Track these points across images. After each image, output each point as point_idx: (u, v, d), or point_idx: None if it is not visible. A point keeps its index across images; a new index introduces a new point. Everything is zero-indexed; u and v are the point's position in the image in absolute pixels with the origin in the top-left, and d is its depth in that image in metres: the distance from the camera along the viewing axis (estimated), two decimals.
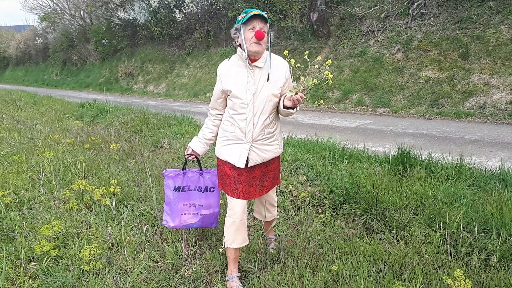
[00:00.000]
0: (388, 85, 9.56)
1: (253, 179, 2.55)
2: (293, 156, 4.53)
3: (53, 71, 33.29)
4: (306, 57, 2.34)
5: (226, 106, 2.59)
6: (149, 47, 21.34)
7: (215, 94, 2.58)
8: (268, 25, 2.35)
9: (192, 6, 17.09)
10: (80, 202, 3.99)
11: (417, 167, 4.09)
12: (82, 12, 27.66)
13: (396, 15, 10.97)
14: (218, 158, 2.64)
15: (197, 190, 2.85)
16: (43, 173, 4.83)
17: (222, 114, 2.63)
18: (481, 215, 2.92)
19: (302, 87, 2.26)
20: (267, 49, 2.46)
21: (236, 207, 2.49)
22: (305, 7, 13.23)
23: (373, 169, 4.05)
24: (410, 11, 10.56)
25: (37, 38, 35.45)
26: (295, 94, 2.24)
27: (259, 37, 2.27)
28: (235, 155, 2.49)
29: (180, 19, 17.72)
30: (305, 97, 2.28)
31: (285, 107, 2.38)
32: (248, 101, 2.40)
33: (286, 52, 2.37)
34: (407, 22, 10.55)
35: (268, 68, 2.40)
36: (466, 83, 8.26)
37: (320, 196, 3.56)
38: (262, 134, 2.47)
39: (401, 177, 3.93)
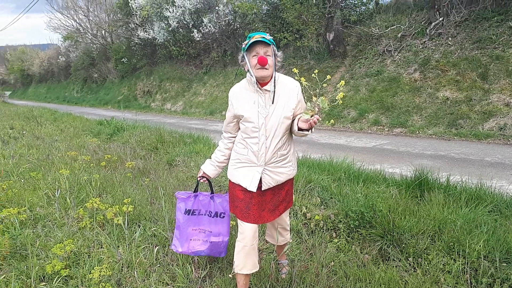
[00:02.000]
0: (405, 105, 9.45)
1: (265, 203, 2.52)
2: (307, 177, 4.47)
3: (74, 88, 34.13)
4: (314, 75, 2.31)
5: (239, 129, 2.58)
6: (167, 65, 21.71)
7: (227, 119, 2.58)
8: (272, 46, 2.35)
9: (210, 26, 17.38)
10: (94, 220, 4.00)
11: (435, 190, 3.99)
12: (103, 32, 28.43)
13: (413, 34, 10.92)
14: (230, 181, 2.61)
15: (207, 215, 2.83)
16: (59, 191, 4.88)
17: (235, 137, 2.62)
18: (503, 244, 2.80)
19: (317, 109, 2.23)
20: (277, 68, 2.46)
21: (247, 232, 2.44)
22: (321, 27, 13.31)
23: (389, 192, 3.96)
24: (428, 31, 10.50)
25: (59, 57, 36.50)
26: (311, 117, 2.21)
27: (262, 63, 2.28)
28: (248, 178, 2.46)
29: (198, 39, 18.02)
30: (320, 118, 2.25)
31: (299, 129, 2.36)
32: (260, 125, 2.38)
33: (295, 70, 2.35)
34: (424, 42, 10.48)
35: (274, 90, 2.38)
36: (485, 103, 8.11)
37: (334, 220, 3.48)
38: (275, 157, 2.45)
39: (418, 201, 3.82)
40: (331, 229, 3.44)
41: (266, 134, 2.39)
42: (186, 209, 2.85)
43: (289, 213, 3.65)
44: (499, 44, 8.69)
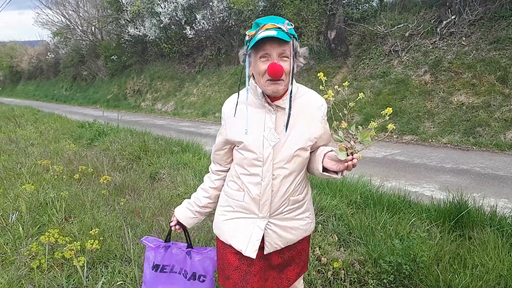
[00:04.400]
0: (415, 109, 8.65)
1: (269, 269, 1.71)
2: (318, 202, 3.64)
3: (63, 86, 33.05)
4: (322, 77, 1.49)
5: (231, 160, 1.75)
6: (158, 64, 20.77)
7: (217, 144, 1.74)
8: (292, 42, 1.49)
9: (203, 23, 16.48)
10: (51, 257, 3.16)
11: (478, 223, 3.18)
12: (93, 28, 27.41)
13: (422, 34, 10.13)
14: (217, 238, 1.78)
15: (182, 274, 1.97)
16: (16, 214, 4.03)
17: (226, 171, 1.78)
18: None
19: (352, 142, 1.43)
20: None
21: None
22: (322, 25, 12.49)
23: (424, 227, 3.13)
24: (438, 30, 9.71)
25: (48, 53, 35.41)
26: (349, 154, 1.41)
27: (274, 74, 1.44)
28: (244, 237, 1.64)
29: (191, 36, 17.12)
30: (359, 158, 1.46)
31: (324, 169, 1.54)
32: (266, 157, 1.55)
33: (321, 75, 1.53)
34: (434, 42, 9.69)
35: (289, 112, 1.52)
36: (506, 110, 7.33)
37: (360, 270, 2.65)
38: (285, 205, 1.63)
39: (459, 237, 3.01)
40: (356, 282, 2.60)
41: (273, 171, 1.57)
42: (154, 263, 2.00)
43: None
44: None
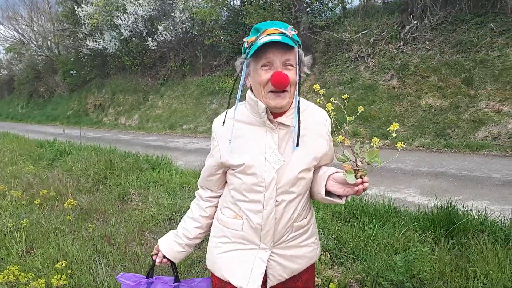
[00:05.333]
0: (384, 114, 8.70)
1: None
2: None
3: (18, 103, 31.50)
4: (319, 90, 1.33)
5: (224, 184, 1.52)
6: (120, 77, 20.13)
7: (208, 168, 1.49)
8: (296, 50, 1.30)
9: (166, 34, 16.11)
10: None
11: (470, 229, 3.08)
12: (49, 43, 26.34)
13: (386, 39, 10.28)
14: (212, 274, 1.54)
15: None
16: None
17: (218, 197, 1.55)
18: None
19: (359, 163, 1.27)
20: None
21: None
22: None
23: (418, 236, 3.00)
24: (402, 35, 9.88)
25: (1, 70, 33.73)
26: (358, 177, 1.26)
27: (278, 85, 1.25)
28: (244, 271, 1.42)
29: (153, 48, 16.68)
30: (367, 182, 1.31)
31: (327, 192, 1.35)
32: (269, 182, 1.34)
33: (317, 87, 1.38)
34: (399, 47, 9.84)
35: (298, 126, 1.33)
36: (473, 111, 7.47)
37: None
38: (289, 232, 1.43)
39: (456, 248, 2.89)
40: None
41: (276, 198, 1.36)
42: None
43: None
44: (482, 47, 8.14)
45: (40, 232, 4.02)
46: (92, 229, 3.88)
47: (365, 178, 1.25)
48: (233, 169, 1.40)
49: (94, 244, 3.66)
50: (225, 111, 1.45)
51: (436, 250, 2.75)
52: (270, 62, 1.28)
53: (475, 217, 3.29)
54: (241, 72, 1.36)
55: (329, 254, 2.91)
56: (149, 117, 16.35)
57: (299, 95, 1.31)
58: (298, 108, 1.30)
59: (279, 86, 1.24)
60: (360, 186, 1.25)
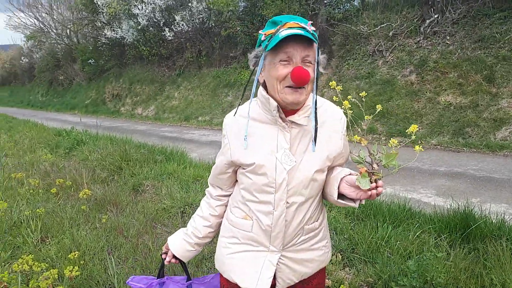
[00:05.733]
0: (402, 111, 8.55)
1: None
2: None
3: (38, 91, 32.04)
4: (336, 87, 1.34)
5: (235, 183, 1.50)
6: (137, 67, 20.27)
7: (218, 166, 1.47)
8: (315, 46, 1.26)
9: (183, 25, 16.10)
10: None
11: (487, 233, 3.01)
12: (68, 31, 26.62)
13: (406, 33, 10.06)
14: (220, 275, 1.53)
15: None
16: None
17: (228, 195, 1.53)
18: None
19: (375, 165, 1.22)
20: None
21: None
22: None
23: (433, 240, 2.94)
24: (422, 29, 9.65)
25: (22, 58, 34.26)
26: (373, 181, 1.20)
27: (299, 80, 1.20)
28: (252, 274, 1.40)
29: (170, 38, 16.71)
30: (383, 187, 1.27)
31: (340, 195, 1.31)
32: (279, 183, 1.31)
33: (333, 84, 1.36)
34: (418, 41, 9.63)
35: (316, 126, 1.28)
36: (494, 109, 7.27)
37: None
38: (300, 235, 1.40)
39: (472, 254, 2.82)
40: None
41: (287, 200, 1.33)
42: None
43: None
44: (505, 43, 7.89)
45: (55, 221, 4.08)
46: (105, 220, 3.93)
47: (380, 183, 1.20)
48: (244, 168, 1.38)
49: (107, 236, 3.70)
50: (236, 107, 1.43)
51: (452, 255, 2.69)
52: (290, 57, 1.23)
53: (493, 221, 3.21)
54: (256, 65, 1.32)
55: (341, 255, 2.88)
56: (165, 108, 16.45)
57: (316, 94, 1.28)
58: (315, 108, 1.27)
59: (300, 81, 1.21)
60: (374, 191, 1.20)
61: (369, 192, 1.21)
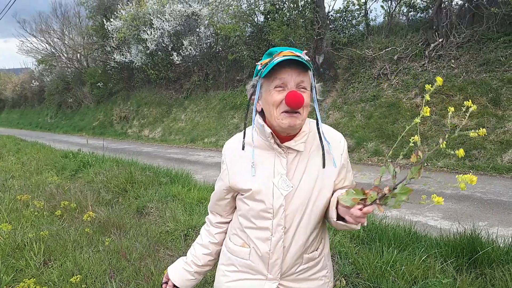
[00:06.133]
0: (408, 133, 8.46)
1: None
2: None
3: (47, 113, 32.51)
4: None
5: (234, 210, 1.49)
6: (145, 90, 20.56)
7: (217, 192, 1.47)
8: (310, 73, 1.29)
9: (190, 49, 16.40)
10: None
11: (495, 259, 2.95)
12: (78, 55, 27.20)
13: (410, 57, 10.14)
14: None
15: None
16: None
17: (227, 223, 1.53)
18: None
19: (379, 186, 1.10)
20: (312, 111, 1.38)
21: None
22: (310, 50, 12.48)
23: (439, 265, 2.88)
24: (426, 52, 9.73)
25: (33, 81, 34.91)
26: (360, 202, 1.10)
27: (294, 104, 1.21)
28: None
29: (178, 62, 16.99)
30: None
31: (339, 217, 1.27)
32: (277, 208, 1.31)
33: None
34: (423, 65, 9.69)
35: (323, 150, 1.32)
36: (501, 132, 7.24)
37: None
38: (299, 264, 1.37)
39: (479, 279, 2.76)
40: None
41: (285, 225, 1.32)
42: None
43: None
44: (510, 66, 7.92)
45: (58, 244, 4.07)
46: (108, 243, 3.91)
47: (366, 209, 1.08)
48: (242, 194, 1.38)
49: (110, 259, 3.67)
50: (236, 134, 1.45)
51: (458, 280, 2.63)
52: (284, 83, 1.26)
53: (501, 245, 3.15)
54: (254, 94, 1.34)
55: (345, 280, 2.83)
56: (172, 130, 16.58)
57: (318, 118, 1.31)
58: (319, 129, 1.31)
59: (294, 105, 1.21)
60: (354, 210, 1.08)
61: (352, 213, 1.10)
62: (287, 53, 1.24)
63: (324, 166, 1.29)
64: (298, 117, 1.26)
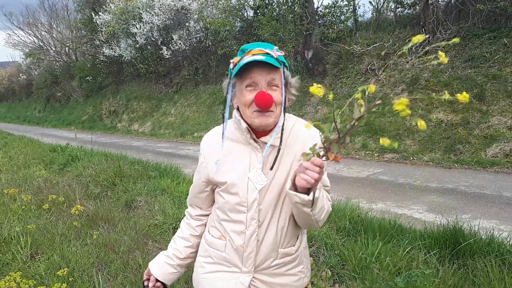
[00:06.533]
0: (394, 128, 8.64)
1: None
2: (308, 231, 3.42)
3: (36, 107, 32.12)
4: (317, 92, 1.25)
5: (213, 202, 1.52)
6: (134, 84, 20.43)
7: (196, 185, 1.51)
8: (281, 70, 1.29)
9: (180, 43, 16.33)
10: None
11: (477, 250, 3.03)
12: (67, 49, 26.87)
13: (397, 52, 10.22)
14: None
15: None
16: None
17: (207, 215, 1.55)
18: None
19: (335, 134, 1.08)
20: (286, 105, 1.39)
21: None
22: (299, 45, 12.52)
23: (422, 256, 2.96)
24: (413, 48, 9.83)
25: (20, 74, 34.41)
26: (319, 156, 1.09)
27: (262, 105, 1.23)
28: None
29: (167, 56, 16.91)
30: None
31: (294, 186, 1.22)
32: (251, 202, 1.34)
33: (315, 90, 1.21)
34: (410, 60, 9.80)
35: (279, 147, 1.32)
36: (485, 127, 7.38)
37: None
38: (273, 258, 1.39)
39: (462, 270, 2.84)
40: None
41: (259, 218, 1.35)
42: None
43: None
44: (494, 62, 8.06)
45: (46, 238, 4.07)
46: (96, 236, 3.92)
47: (313, 159, 1.08)
48: (219, 187, 1.42)
49: (98, 252, 3.69)
50: (216, 127, 1.47)
51: (440, 271, 2.71)
52: (255, 82, 1.28)
53: (483, 237, 3.24)
54: (227, 93, 1.37)
55: (331, 271, 2.89)
56: (162, 124, 16.52)
57: (284, 116, 1.32)
58: (282, 131, 1.31)
59: (263, 106, 1.24)
60: (305, 163, 1.09)
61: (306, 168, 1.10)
62: (257, 51, 1.26)
63: (271, 168, 1.30)
64: (271, 115, 1.29)
